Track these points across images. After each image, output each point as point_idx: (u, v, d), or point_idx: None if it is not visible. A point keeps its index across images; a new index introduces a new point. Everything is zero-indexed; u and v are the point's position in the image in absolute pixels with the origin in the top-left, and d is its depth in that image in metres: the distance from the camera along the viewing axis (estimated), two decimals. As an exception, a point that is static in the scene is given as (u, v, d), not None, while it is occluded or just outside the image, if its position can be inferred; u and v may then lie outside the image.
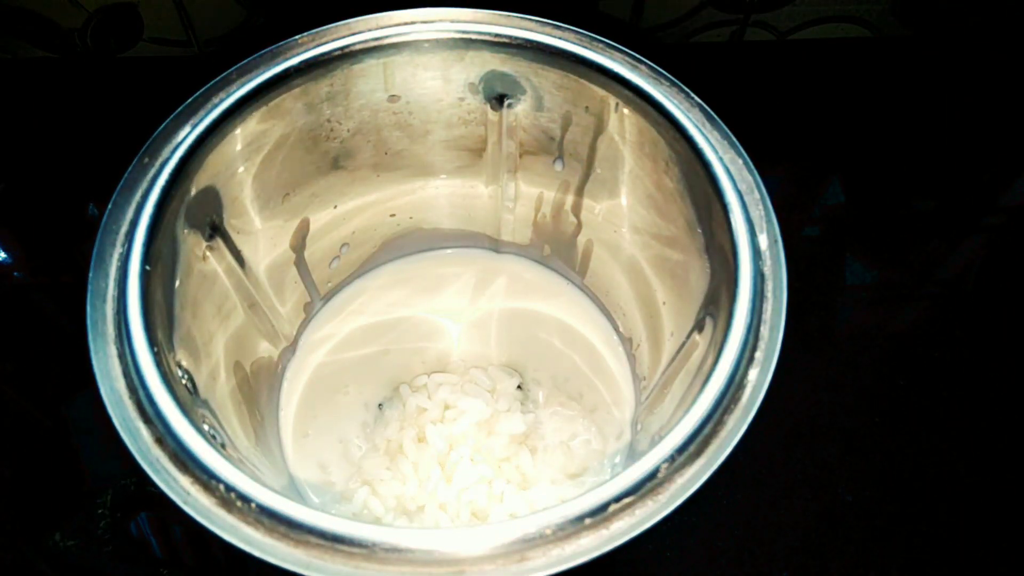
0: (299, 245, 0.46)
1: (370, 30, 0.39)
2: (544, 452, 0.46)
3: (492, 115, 0.44)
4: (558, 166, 0.46)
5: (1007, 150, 0.66)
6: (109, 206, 0.34)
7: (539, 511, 0.27)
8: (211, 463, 0.28)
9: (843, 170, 0.64)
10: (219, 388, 0.39)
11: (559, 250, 0.51)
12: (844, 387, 0.52)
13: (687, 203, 0.38)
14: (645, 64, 0.39)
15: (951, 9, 0.67)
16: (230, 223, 0.40)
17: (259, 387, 0.45)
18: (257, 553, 0.27)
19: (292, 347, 0.50)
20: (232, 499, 0.27)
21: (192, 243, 0.37)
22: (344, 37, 0.39)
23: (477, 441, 0.44)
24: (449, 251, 0.55)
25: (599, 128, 0.41)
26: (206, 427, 0.33)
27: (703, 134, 0.36)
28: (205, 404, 0.35)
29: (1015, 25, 0.68)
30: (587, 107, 0.41)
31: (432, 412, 0.46)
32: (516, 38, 0.39)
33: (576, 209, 0.48)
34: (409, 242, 0.53)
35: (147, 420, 0.29)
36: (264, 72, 0.38)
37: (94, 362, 0.31)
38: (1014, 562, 0.46)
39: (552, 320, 0.52)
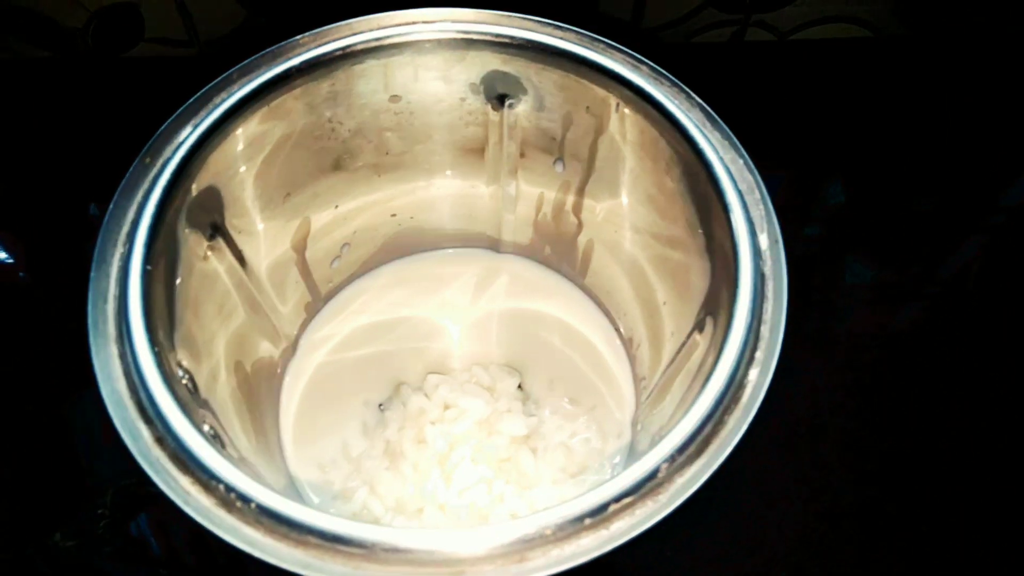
0: (300, 245, 0.46)
1: (371, 30, 0.39)
2: (544, 452, 0.46)
3: (493, 115, 0.44)
4: (559, 166, 0.46)
5: (1007, 150, 0.66)
6: (110, 206, 0.34)
7: (539, 511, 0.27)
8: (211, 463, 0.28)
9: (843, 170, 0.64)
10: (220, 388, 0.39)
11: (560, 250, 0.52)
12: (844, 387, 0.52)
13: (688, 203, 0.38)
14: (646, 64, 0.39)
15: (951, 9, 0.67)
16: (231, 223, 0.40)
17: (259, 387, 0.45)
18: (257, 553, 0.27)
19: (293, 347, 0.50)
20: (232, 499, 0.27)
21: (193, 243, 0.37)
22: (345, 37, 0.39)
23: (478, 441, 0.44)
24: (450, 251, 0.55)
25: (600, 128, 0.42)
26: (206, 427, 0.33)
27: (704, 134, 0.36)
28: (205, 404, 0.35)
29: (1016, 25, 0.68)
30: (588, 107, 0.41)
31: (432, 412, 0.46)
32: (517, 38, 0.39)
33: (577, 209, 0.48)
34: (410, 242, 0.53)
35: (147, 420, 0.29)
36: (265, 72, 0.38)
37: (95, 362, 0.31)
38: (1014, 562, 0.46)
39: (552, 320, 0.52)
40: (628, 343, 0.50)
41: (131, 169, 0.35)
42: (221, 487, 0.28)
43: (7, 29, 0.61)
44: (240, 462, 0.33)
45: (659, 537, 0.27)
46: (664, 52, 0.41)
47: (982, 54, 0.69)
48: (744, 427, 0.30)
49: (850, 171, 0.64)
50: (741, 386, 0.31)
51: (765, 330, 0.32)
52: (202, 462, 0.28)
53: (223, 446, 0.34)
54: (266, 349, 0.46)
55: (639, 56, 0.39)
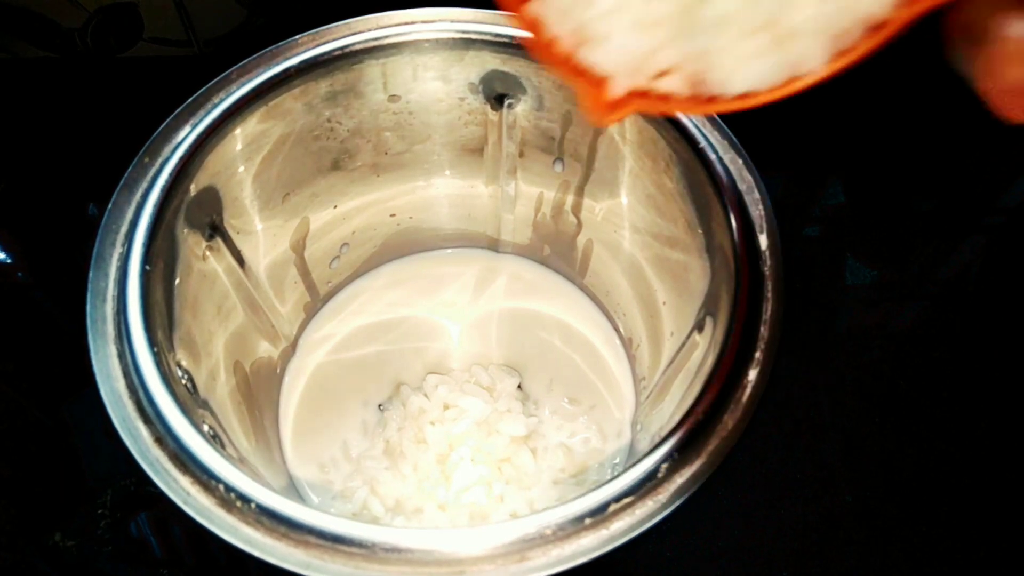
0: (299, 245, 0.46)
1: (370, 30, 0.39)
2: (544, 452, 0.46)
3: (492, 115, 0.44)
4: (558, 166, 0.46)
5: (1007, 150, 0.66)
6: (109, 206, 0.34)
7: (539, 511, 0.27)
8: (211, 463, 0.28)
9: (843, 170, 0.64)
10: (219, 388, 0.39)
11: (559, 250, 0.51)
12: (844, 387, 0.52)
13: (687, 203, 0.38)
14: (645, 64, 0.39)
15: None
16: (230, 223, 0.40)
17: (259, 387, 0.45)
18: (257, 553, 0.27)
19: (292, 347, 0.50)
20: (232, 499, 0.27)
21: (192, 243, 0.37)
22: (344, 37, 0.39)
23: (477, 441, 0.44)
24: (449, 251, 0.55)
25: (599, 128, 0.41)
26: (206, 427, 0.33)
27: (703, 134, 0.36)
28: (205, 404, 0.35)
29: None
30: (587, 107, 0.41)
31: (432, 412, 0.46)
32: (516, 38, 0.39)
33: (576, 209, 0.48)
34: (409, 242, 0.53)
35: (147, 420, 0.29)
36: (264, 72, 0.38)
37: (94, 362, 0.31)
38: (1014, 562, 0.46)
39: (552, 320, 0.52)
40: (628, 343, 0.50)
41: (130, 169, 0.35)
42: (221, 487, 0.28)
43: (7, 29, 0.61)
44: (240, 462, 0.33)
45: (659, 537, 0.27)
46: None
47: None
48: (744, 427, 0.30)
49: (850, 171, 0.64)
50: (741, 386, 0.31)
51: (765, 330, 0.32)
52: (202, 462, 0.28)
53: (222, 446, 0.34)
54: (265, 349, 0.46)
55: (639, 56, 0.39)
